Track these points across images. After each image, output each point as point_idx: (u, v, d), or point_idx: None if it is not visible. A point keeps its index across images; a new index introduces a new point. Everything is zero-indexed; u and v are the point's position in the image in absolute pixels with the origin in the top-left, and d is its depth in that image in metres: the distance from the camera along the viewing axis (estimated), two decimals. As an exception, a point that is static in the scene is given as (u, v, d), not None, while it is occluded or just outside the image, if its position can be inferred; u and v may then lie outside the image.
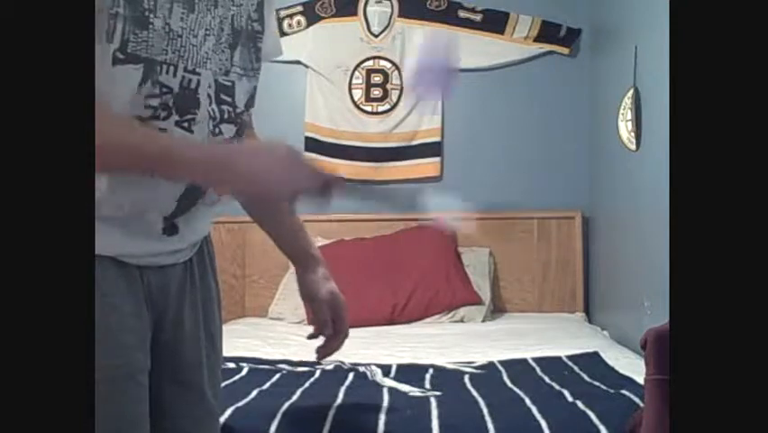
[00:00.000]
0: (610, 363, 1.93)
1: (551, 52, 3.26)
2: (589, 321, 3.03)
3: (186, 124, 0.95)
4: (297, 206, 0.98)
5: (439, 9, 3.29)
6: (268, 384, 1.69)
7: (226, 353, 1.98)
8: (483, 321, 2.91)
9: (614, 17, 2.83)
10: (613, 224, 2.84)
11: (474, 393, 1.59)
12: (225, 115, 1.00)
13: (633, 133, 2.38)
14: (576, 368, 1.88)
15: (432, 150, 3.30)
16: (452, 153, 3.32)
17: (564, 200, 3.23)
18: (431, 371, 1.85)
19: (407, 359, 2.06)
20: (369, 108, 3.32)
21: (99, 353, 0.75)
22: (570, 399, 1.52)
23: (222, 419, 1.38)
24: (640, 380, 1.27)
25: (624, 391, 1.53)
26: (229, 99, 1.01)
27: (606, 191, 2.95)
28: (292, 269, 2.89)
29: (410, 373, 1.82)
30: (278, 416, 1.40)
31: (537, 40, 3.24)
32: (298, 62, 3.33)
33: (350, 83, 3.32)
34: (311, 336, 1.33)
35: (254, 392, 1.58)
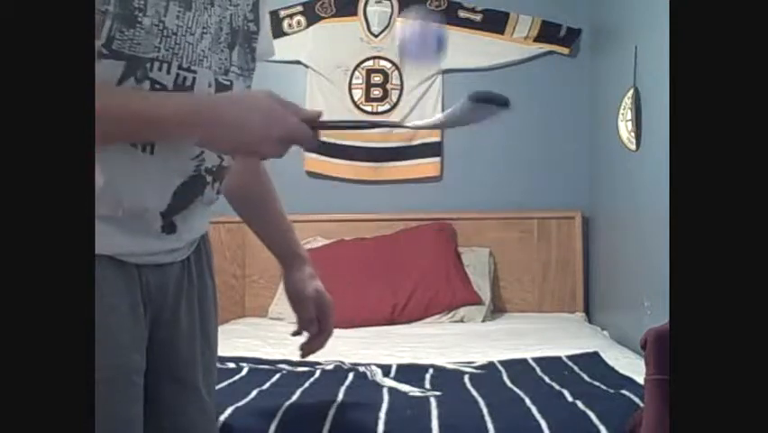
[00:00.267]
0: (610, 363, 1.93)
1: (551, 52, 3.26)
2: (589, 321, 3.03)
3: None
4: (284, 153, 0.95)
5: (439, 9, 3.29)
6: (268, 384, 1.69)
7: (226, 353, 1.99)
8: (483, 321, 2.91)
9: (614, 17, 2.83)
10: (613, 224, 2.84)
11: (474, 393, 1.59)
12: None
13: (633, 133, 2.38)
14: (576, 368, 1.88)
15: (432, 150, 3.30)
16: (452, 153, 3.32)
17: (564, 200, 3.23)
18: (431, 371, 1.85)
19: (407, 359, 2.06)
20: (369, 108, 3.32)
21: (96, 353, 0.76)
22: (570, 399, 1.52)
23: (222, 419, 1.38)
24: (640, 380, 1.27)
25: (624, 391, 1.52)
26: None
27: (606, 191, 2.95)
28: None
29: (410, 373, 1.82)
30: (278, 416, 1.40)
31: (537, 40, 3.24)
32: (298, 62, 3.33)
33: (350, 83, 3.32)
34: (295, 333, 1.34)
35: (254, 392, 1.58)
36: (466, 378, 1.78)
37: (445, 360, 2.01)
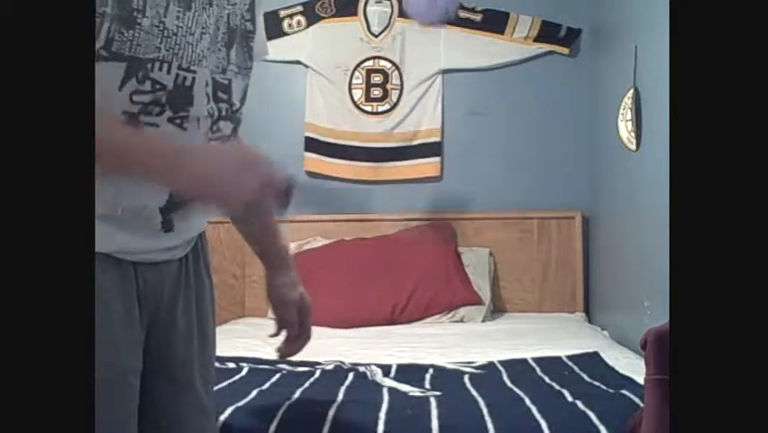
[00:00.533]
0: (610, 363, 1.93)
1: (551, 52, 3.26)
2: (589, 321, 3.03)
3: (178, 121, 0.95)
4: (251, 210, 0.96)
5: (439, 9, 3.29)
6: (268, 384, 1.69)
7: (226, 353, 1.99)
8: (483, 321, 2.91)
9: (614, 17, 2.83)
10: (613, 224, 2.84)
11: (474, 393, 1.59)
12: (223, 113, 1.01)
13: (633, 133, 2.38)
14: (576, 368, 1.88)
15: (432, 150, 3.30)
16: (452, 153, 3.32)
17: (564, 200, 3.23)
18: (431, 371, 1.85)
19: (407, 359, 2.06)
20: (369, 108, 3.32)
21: None
22: (570, 399, 1.52)
23: (222, 419, 1.38)
24: (640, 380, 1.27)
25: (624, 391, 1.53)
26: (226, 97, 1.01)
27: (606, 191, 2.95)
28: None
29: (410, 373, 1.82)
30: (278, 416, 1.40)
31: (537, 40, 3.24)
32: (298, 62, 3.33)
33: (350, 83, 3.32)
34: (273, 335, 1.34)
35: (254, 392, 1.58)
36: (466, 378, 1.78)
37: (445, 360, 2.01)
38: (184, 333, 1.07)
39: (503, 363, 1.95)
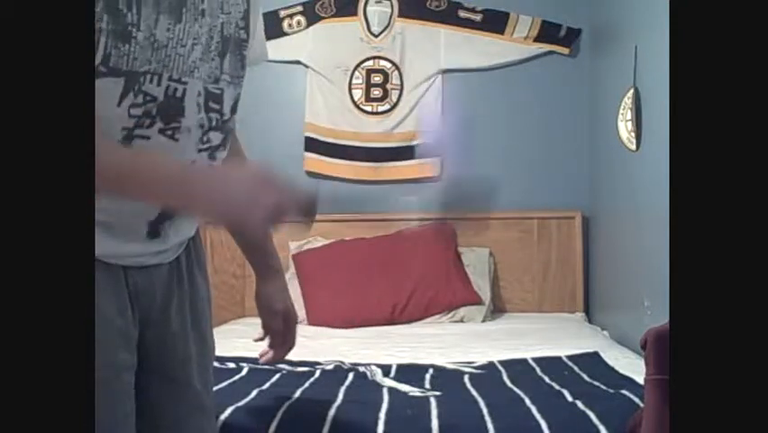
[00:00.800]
0: (610, 363, 1.93)
1: (551, 52, 3.26)
2: (589, 321, 3.03)
3: (170, 132, 0.95)
4: (272, 232, 0.92)
5: (439, 9, 3.29)
6: (268, 384, 1.69)
7: (226, 353, 1.99)
8: (483, 321, 2.91)
9: (614, 17, 2.83)
10: (613, 224, 2.84)
11: (474, 393, 1.59)
12: (213, 123, 1.00)
13: (633, 133, 2.38)
14: (576, 368, 1.88)
15: (432, 150, 3.30)
16: (452, 153, 3.31)
17: (564, 200, 3.23)
18: (431, 371, 1.85)
19: (407, 359, 2.06)
20: (369, 108, 3.32)
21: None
22: (570, 399, 1.52)
23: (222, 419, 1.38)
24: (640, 380, 1.27)
25: (624, 391, 1.52)
26: (217, 107, 1.00)
27: (606, 191, 2.95)
28: (291, 270, 2.88)
29: (410, 373, 1.82)
30: (278, 416, 1.40)
31: (537, 40, 3.24)
32: (298, 62, 3.33)
33: (350, 83, 3.32)
34: (258, 339, 1.38)
35: (254, 392, 1.58)
36: (466, 378, 1.78)
37: (445, 360, 2.01)
38: (179, 333, 1.07)
39: (503, 363, 1.95)
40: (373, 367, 1.83)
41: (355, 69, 3.32)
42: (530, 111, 3.28)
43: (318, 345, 2.28)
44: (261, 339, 1.37)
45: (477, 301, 2.96)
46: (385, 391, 1.61)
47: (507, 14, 3.26)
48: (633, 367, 1.78)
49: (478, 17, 3.27)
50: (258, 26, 1.12)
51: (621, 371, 1.80)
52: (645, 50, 2.29)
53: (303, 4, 3.33)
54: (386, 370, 1.83)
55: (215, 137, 1.01)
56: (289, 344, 1.36)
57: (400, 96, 3.30)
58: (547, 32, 3.23)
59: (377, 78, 3.31)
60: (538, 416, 1.39)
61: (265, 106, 3.21)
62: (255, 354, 2.07)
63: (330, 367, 1.89)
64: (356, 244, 3.13)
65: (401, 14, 3.31)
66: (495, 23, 3.26)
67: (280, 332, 1.34)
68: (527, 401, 1.50)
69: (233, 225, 0.95)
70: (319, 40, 3.33)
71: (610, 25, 2.89)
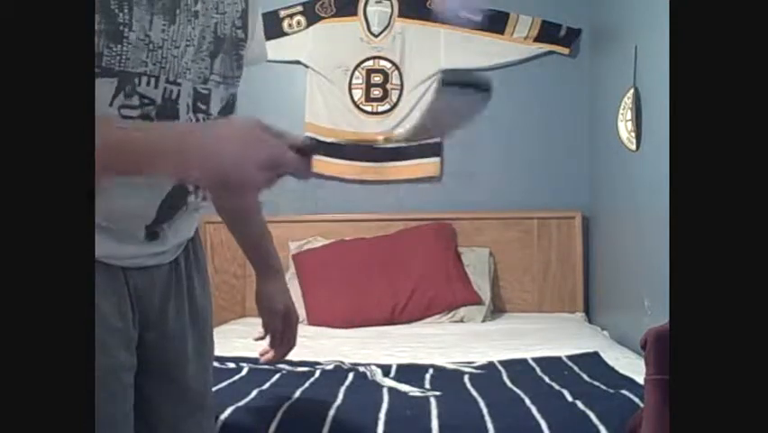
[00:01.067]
0: (610, 363, 1.93)
1: (551, 52, 3.26)
2: (589, 321, 3.03)
3: None
4: (271, 183, 0.86)
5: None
6: (268, 384, 1.69)
7: (226, 353, 1.99)
8: (483, 321, 2.91)
9: (614, 17, 2.83)
10: (613, 224, 2.85)
11: (474, 393, 1.59)
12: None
13: (633, 133, 2.38)
14: (576, 368, 1.88)
15: (432, 150, 3.30)
16: (452, 153, 3.32)
17: (564, 200, 3.23)
18: (431, 371, 1.85)
19: (407, 359, 2.06)
20: (369, 108, 3.32)
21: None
22: (570, 399, 1.52)
23: (222, 419, 1.39)
24: (640, 380, 1.27)
25: (624, 391, 1.53)
26: (204, 107, 0.99)
27: (606, 191, 2.95)
28: (291, 270, 2.87)
29: (410, 373, 1.82)
30: (278, 416, 1.40)
31: (537, 40, 3.24)
32: (298, 62, 3.33)
33: (350, 83, 3.32)
34: (258, 339, 1.38)
35: (254, 392, 1.58)
36: (466, 378, 1.78)
37: (445, 360, 2.01)
38: (178, 334, 1.07)
39: (503, 363, 1.95)
40: (373, 367, 1.84)
41: (355, 69, 3.32)
42: (530, 111, 3.28)
43: (318, 345, 2.28)
44: (262, 338, 1.37)
45: (477, 301, 2.96)
46: (385, 391, 1.61)
47: (507, 14, 3.26)
48: (633, 367, 1.78)
49: (478, 17, 3.27)
50: (257, 26, 1.11)
51: (621, 371, 1.80)
52: (645, 50, 2.29)
53: (303, 4, 3.33)
54: (386, 370, 1.83)
55: None
56: (290, 344, 1.36)
57: (400, 96, 3.30)
58: (547, 32, 3.23)
59: (377, 78, 3.31)
60: (538, 416, 1.39)
61: (265, 106, 3.21)
62: (255, 355, 2.07)
63: (330, 367, 1.89)
64: (356, 244, 3.13)
65: (401, 14, 3.31)
66: (495, 23, 3.26)
67: (281, 332, 1.35)
68: (527, 401, 1.50)
69: (230, 187, 0.90)
70: (319, 40, 3.33)
71: (610, 25, 2.89)
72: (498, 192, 3.27)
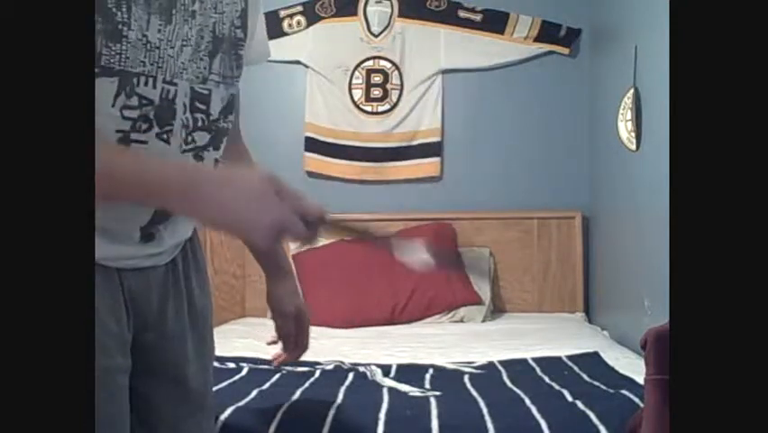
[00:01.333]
0: (610, 363, 1.93)
1: (551, 52, 3.26)
2: (589, 321, 3.03)
3: (165, 136, 0.94)
4: (274, 244, 0.88)
5: (439, 9, 3.29)
6: (268, 384, 1.69)
7: (226, 353, 1.99)
8: (483, 321, 2.91)
9: (614, 17, 2.83)
10: (613, 224, 2.85)
11: (474, 393, 1.59)
12: (199, 123, 0.99)
13: (633, 133, 2.38)
14: (576, 368, 1.88)
15: (432, 150, 3.30)
16: (452, 153, 3.32)
17: (564, 200, 3.24)
18: (431, 371, 1.85)
19: (407, 359, 2.06)
20: (369, 108, 3.32)
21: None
22: (570, 399, 1.52)
23: (222, 419, 1.38)
24: (640, 380, 1.27)
25: (624, 391, 1.53)
26: (203, 107, 0.99)
27: (606, 191, 2.95)
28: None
29: (410, 373, 1.82)
30: (278, 416, 1.40)
31: (537, 40, 3.24)
32: (298, 62, 3.33)
33: (350, 83, 3.32)
34: (271, 343, 1.36)
35: (254, 392, 1.58)
36: (466, 378, 1.78)
37: (445, 360, 2.01)
38: (177, 334, 1.06)
39: (503, 363, 1.95)
40: (373, 367, 1.83)
41: (355, 69, 3.32)
42: (530, 111, 3.28)
43: (318, 345, 2.28)
44: (274, 342, 1.35)
45: (477, 301, 2.96)
46: (385, 391, 1.61)
47: (507, 14, 3.26)
48: (633, 367, 1.78)
49: (478, 17, 3.27)
50: (259, 25, 1.11)
51: (621, 371, 1.80)
52: (645, 50, 2.29)
53: (303, 4, 3.33)
54: (386, 370, 1.83)
55: (201, 137, 0.99)
56: (303, 346, 1.35)
57: (400, 96, 3.30)
58: (547, 32, 3.23)
59: (377, 78, 3.31)
60: (538, 416, 1.39)
61: (265, 106, 3.21)
62: (255, 355, 2.08)
63: (330, 367, 1.89)
64: (356, 244, 3.12)
65: (401, 14, 3.31)
66: (495, 23, 3.26)
67: (293, 334, 1.33)
68: (527, 401, 1.50)
69: (237, 237, 0.92)
70: (319, 40, 3.33)
71: (610, 25, 2.89)
72: (498, 192, 3.27)
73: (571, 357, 2.01)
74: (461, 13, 3.28)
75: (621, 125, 2.47)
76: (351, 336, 2.60)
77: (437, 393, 1.57)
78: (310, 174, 3.32)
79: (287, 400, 1.50)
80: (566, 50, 3.24)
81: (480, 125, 3.32)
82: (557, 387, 1.65)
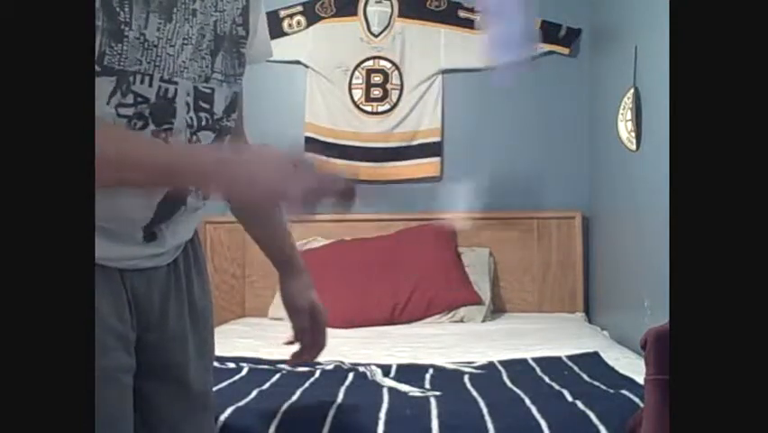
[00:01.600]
0: (610, 363, 1.93)
1: (551, 52, 3.26)
2: (589, 321, 3.03)
3: (163, 135, 0.94)
4: (303, 209, 0.91)
5: (439, 9, 3.29)
6: (268, 384, 1.69)
7: (226, 353, 1.99)
8: (483, 321, 2.91)
9: (614, 17, 2.83)
10: (613, 224, 2.85)
11: (474, 393, 1.59)
12: (203, 123, 0.99)
13: (633, 133, 2.38)
14: (576, 368, 1.88)
15: (432, 150, 3.30)
16: (452, 153, 3.32)
17: (564, 200, 3.24)
18: (431, 371, 1.85)
19: (407, 359, 2.06)
20: (369, 108, 3.32)
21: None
22: (570, 399, 1.52)
23: (222, 419, 1.38)
24: (640, 380, 1.27)
25: (624, 391, 1.52)
26: (207, 106, 0.99)
27: (606, 191, 2.95)
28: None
29: (410, 373, 1.82)
30: (278, 416, 1.40)
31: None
32: (298, 62, 3.33)
33: (350, 83, 3.32)
34: (288, 343, 1.34)
35: (254, 392, 1.58)
36: (466, 378, 1.78)
37: (445, 360, 2.01)
38: (178, 335, 1.07)
39: (503, 363, 1.95)
40: (373, 367, 1.83)
41: (355, 69, 3.32)
42: (530, 111, 3.28)
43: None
44: (291, 343, 1.33)
45: (477, 301, 2.96)
46: (385, 391, 1.61)
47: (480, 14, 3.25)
48: (633, 367, 1.78)
49: (478, 17, 3.27)
50: (260, 24, 1.10)
51: (621, 371, 1.80)
52: (645, 50, 2.29)
53: (303, 4, 3.33)
54: (386, 370, 1.83)
55: (206, 137, 1.00)
56: (320, 343, 1.32)
57: (400, 96, 3.30)
58: (547, 32, 3.23)
59: (377, 78, 3.31)
60: (538, 416, 1.39)
61: (265, 106, 3.21)
62: (255, 355, 2.08)
63: (330, 367, 1.89)
64: (356, 244, 3.13)
65: (401, 14, 3.31)
66: (495, 23, 3.26)
67: (308, 331, 1.31)
68: (527, 401, 1.50)
69: (270, 207, 0.94)
70: (319, 40, 3.33)
71: (610, 25, 2.89)
72: (498, 192, 3.26)
73: (571, 357, 2.01)
74: (461, 13, 3.28)
75: (621, 125, 2.47)
76: (351, 336, 2.60)
77: (437, 393, 1.57)
78: (310, 174, 3.32)
79: (287, 400, 1.50)
80: (566, 50, 3.24)
81: (480, 125, 3.31)
82: (557, 387, 1.65)
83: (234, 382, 1.72)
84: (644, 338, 1.10)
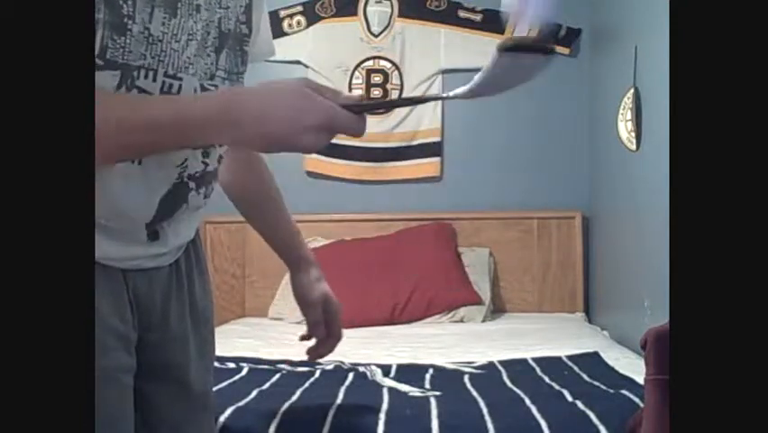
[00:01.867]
0: (610, 363, 1.93)
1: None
2: (589, 321, 3.03)
3: None
4: (328, 142, 0.83)
5: (439, 9, 3.29)
6: (268, 384, 1.69)
7: (226, 353, 1.99)
8: (483, 321, 2.91)
9: (614, 17, 2.83)
10: (613, 224, 2.85)
11: (474, 393, 1.59)
12: None
13: (633, 133, 2.38)
14: (576, 368, 1.88)
15: (432, 150, 3.30)
16: (452, 153, 3.32)
17: (564, 200, 3.24)
18: (431, 371, 1.85)
19: (407, 359, 2.06)
20: (369, 108, 3.31)
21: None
22: (570, 399, 1.52)
23: (222, 419, 1.38)
24: (640, 380, 1.27)
25: (624, 391, 1.52)
26: None
27: (606, 191, 2.95)
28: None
29: (410, 373, 1.82)
30: (279, 416, 1.40)
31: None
32: (298, 62, 3.33)
33: (350, 83, 3.32)
34: (303, 338, 1.34)
35: (254, 392, 1.58)
36: (466, 378, 1.78)
37: (445, 360, 2.01)
38: (180, 335, 1.06)
39: (503, 363, 1.95)
40: (373, 367, 1.83)
41: (355, 68, 3.32)
42: (530, 111, 3.28)
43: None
44: (308, 338, 1.32)
45: (477, 301, 2.96)
46: (385, 391, 1.61)
47: (507, 14, 3.25)
48: (633, 367, 1.78)
49: (478, 17, 3.27)
50: (263, 22, 1.10)
51: (621, 371, 1.80)
52: (645, 50, 2.29)
53: (303, 4, 3.33)
54: (386, 370, 1.83)
55: None
56: (334, 336, 1.32)
57: (400, 96, 3.31)
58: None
59: (377, 78, 3.31)
60: (538, 416, 1.39)
61: (265, 106, 3.20)
62: (255, 355, 2.08)
63: (330, 367, 1.89)
64: (356, 244, 3.13)
65: (401, 14, 3.31)
66: (495, 22, 3.26)
67: (322, 324, 1.31)
68: (527, 401, 1.50)
69: (280, 149, 0.90)
70: (319, 40, 3.33)
71: (610, 25, 2.89)
72: (498, 192, 3.27)
73: (571, 357, 2.01)
74: (461, 13, 3.28)
75: (621, 125, 2.47)
76: (351, 335, 2.58)
77: (437, 393, 1.57)
78: (310, 174, 3.32)
79: (287, 400, 1.50)
80: (566, 50, 3.24)
81: (479, 125, 3.32)
82: (557, 387, 1.65)
83: (234, 382, 1.72)
84: (644, 338, 1.10)
